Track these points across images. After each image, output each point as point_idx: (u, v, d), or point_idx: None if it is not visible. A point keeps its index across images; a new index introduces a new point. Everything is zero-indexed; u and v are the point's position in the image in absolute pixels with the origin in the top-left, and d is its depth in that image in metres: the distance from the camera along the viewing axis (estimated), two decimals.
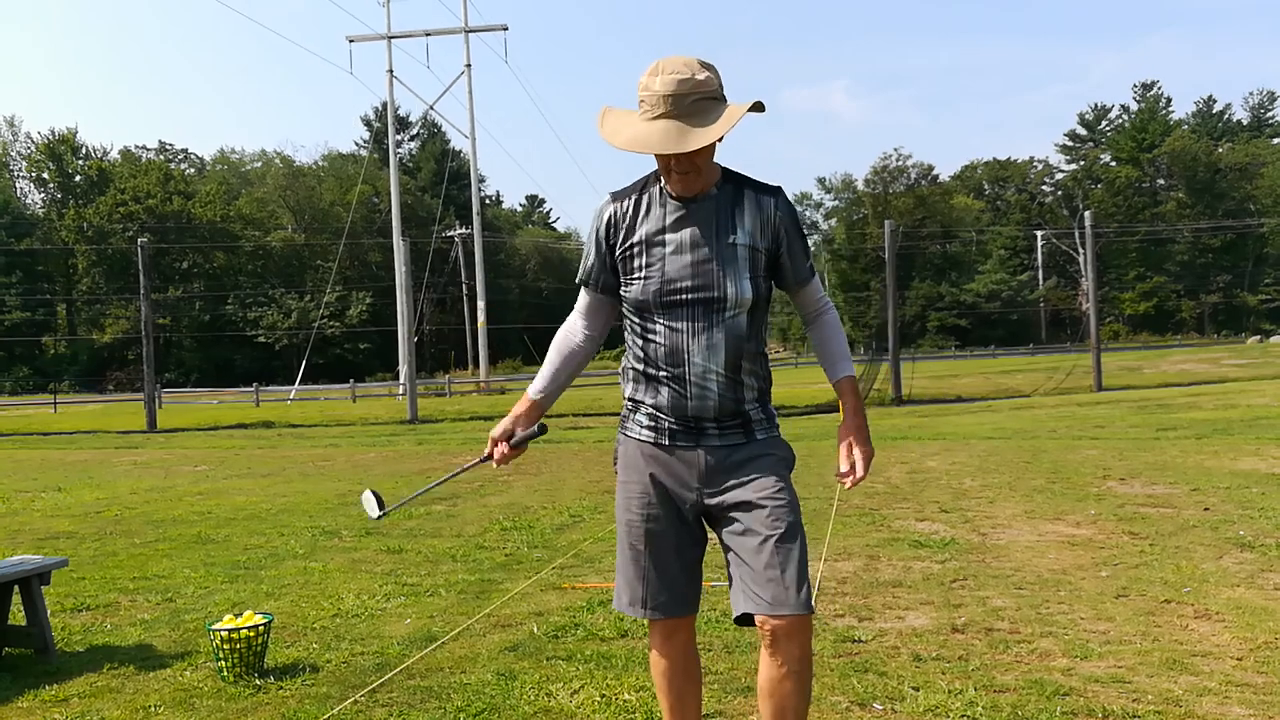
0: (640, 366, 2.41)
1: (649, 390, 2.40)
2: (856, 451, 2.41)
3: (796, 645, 2.28)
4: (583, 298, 2.50)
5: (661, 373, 2.36)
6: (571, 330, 2.53)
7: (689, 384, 2.34)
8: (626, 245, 2.37)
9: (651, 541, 2.42)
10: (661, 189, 2.37)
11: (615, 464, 2.53)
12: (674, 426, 2.39)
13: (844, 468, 2.42)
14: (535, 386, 2.53)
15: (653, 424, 2.41)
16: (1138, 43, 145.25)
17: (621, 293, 2.42)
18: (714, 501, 2.38)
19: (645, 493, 2.42)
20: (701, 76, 2.22)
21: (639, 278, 2.36)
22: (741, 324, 2.34)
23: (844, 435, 2.44)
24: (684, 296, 2.32)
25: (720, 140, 2.22)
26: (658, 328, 2.35)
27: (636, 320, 2.39)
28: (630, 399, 2.47)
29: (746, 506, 2.34)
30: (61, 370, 60.99)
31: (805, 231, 2.44)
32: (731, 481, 2.36)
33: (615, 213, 2.40)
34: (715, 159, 2.36)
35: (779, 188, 2.43)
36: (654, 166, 2.38)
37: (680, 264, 2.33)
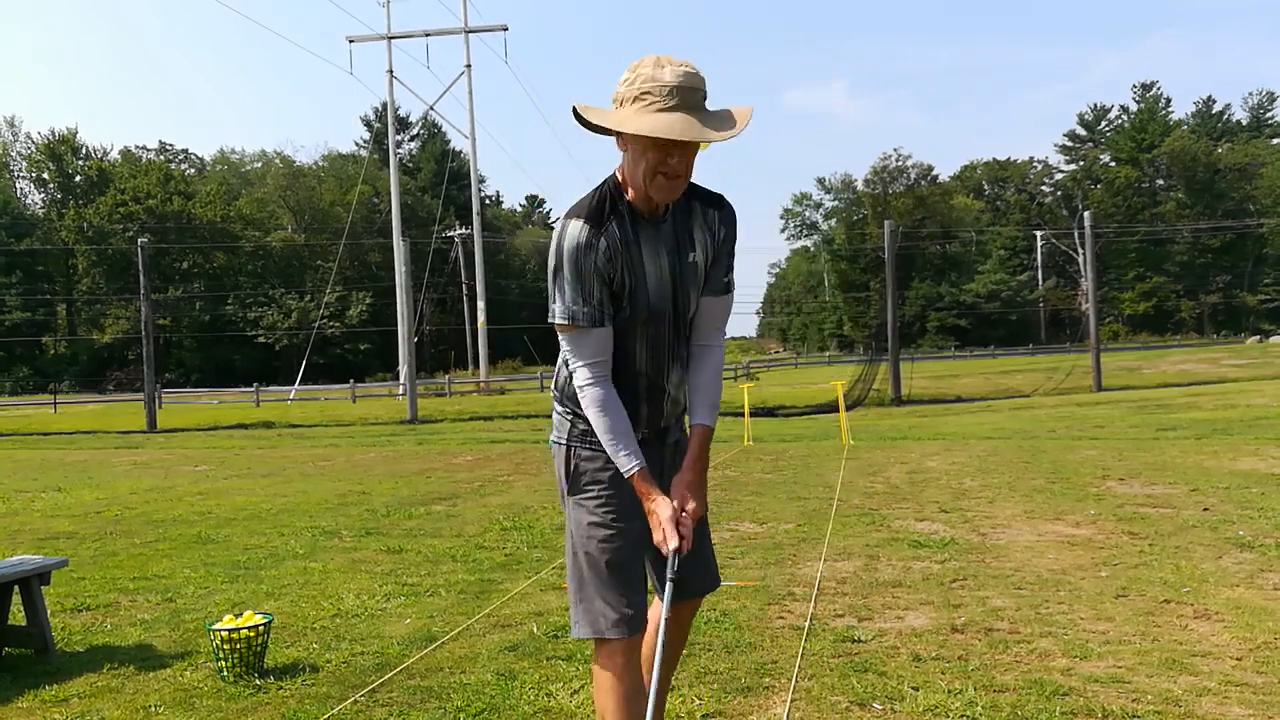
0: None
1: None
2: (688, 507, 2.26)
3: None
4: (590, 338, 2.23)
5: (638, 389, 2.31)
6: (602, 380, 2.27)
7: (667, 397, 2.35)
8: (618, 272, 2.24)
9: (629, 553, 2.33)
10: (626, 207, 2.24)
11: (566, 479, 2.39)
12: (645, 434, 2.36)
13: (657, 536, 2.23)
14: (630, 462, 2.24)
15: None
16: (1138, 43, 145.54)
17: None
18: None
19: (615, 502, 2.33)
20: (702, 76, 2.15)
21: (625, 303, 2.27)
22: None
23: (676, 488, 2.29)
24: (662, 317, 2.29)
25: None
26: (636, 349, 2.30)
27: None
28: (582, 415, 2.33)
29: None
30: (61, 370, 60.98)
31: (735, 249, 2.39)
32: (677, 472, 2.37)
33: (605, 241, 2.21)
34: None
35: (722, 197, 2.36)
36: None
37: (657, 285, 2.27)
